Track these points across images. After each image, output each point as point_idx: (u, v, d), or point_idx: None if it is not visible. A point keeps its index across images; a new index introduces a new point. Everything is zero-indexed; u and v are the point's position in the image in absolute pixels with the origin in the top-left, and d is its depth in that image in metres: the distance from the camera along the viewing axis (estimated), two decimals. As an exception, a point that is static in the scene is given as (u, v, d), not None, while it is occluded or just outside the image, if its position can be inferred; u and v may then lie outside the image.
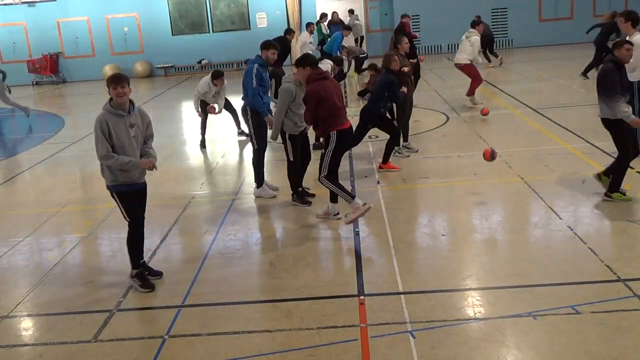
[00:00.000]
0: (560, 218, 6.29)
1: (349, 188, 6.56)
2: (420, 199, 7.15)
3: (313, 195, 7.36)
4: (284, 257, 5.92)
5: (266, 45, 7.57)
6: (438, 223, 6.53)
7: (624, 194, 6.57)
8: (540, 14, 24.05)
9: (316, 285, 5.24)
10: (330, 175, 6.41)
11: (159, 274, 5.55)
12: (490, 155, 7.35)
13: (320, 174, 6.43)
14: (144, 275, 5.42)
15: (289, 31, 15.70)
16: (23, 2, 24.36)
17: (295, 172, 7.24)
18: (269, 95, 7.70)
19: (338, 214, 6.65)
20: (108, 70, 23.86)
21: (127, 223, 5.39)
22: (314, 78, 6.43)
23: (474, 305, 4.70)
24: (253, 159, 7.70)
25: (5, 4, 24.42)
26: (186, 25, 24.83)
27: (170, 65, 24.92)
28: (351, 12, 21.96)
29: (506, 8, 23.97)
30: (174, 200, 7.88)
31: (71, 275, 5.90)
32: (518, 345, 4.11)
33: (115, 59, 24.63)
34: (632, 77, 8.02)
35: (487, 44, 18.72)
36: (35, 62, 24.58)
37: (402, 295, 4.90)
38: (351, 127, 6.60)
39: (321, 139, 6.88)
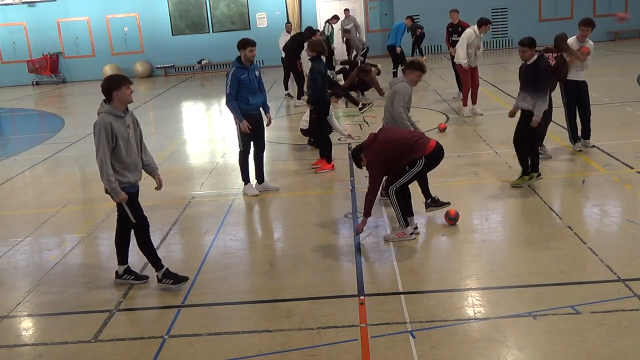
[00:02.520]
0: (560, 218, 6.29)
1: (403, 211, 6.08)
2: (420, 199, 7.12)
3: None
4: (284, 257, 5.92)
5: (242, 44, 7.46)
6: (438, 223, 6.52)
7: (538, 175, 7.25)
8: (540, 14, 24.06)
9: (316, 285, 5.24)
10: (400, 190, 5.98)
11: (142, 278, 5.55)
12: (455, 217, 6.96)
13: (392, 185, 6.00)
14: (132, 270, 5.49)
15: (313, 32, 15.24)
16: (23, 2, 24.37)
17: None
18: (260, 94, 7.69)
19: (417, 227, 6.21)
20: (108, 70, 23.86)
21: (118, 225, 5.42)
22: (367, 149, 5.96)
23: (474, 305, 4.70)
24: (239, 160, 7.87)
25: (5, 4, 24.43)
26: (186, 25, 24.84)
27: (170, 65, 24.93)
28: (346, 11, 21.72)
29: (506, 8, 23.99)
30: (174, 200, 7.88)
31: (71, 275, 5.90)
32: (518, 345, 4.11)
33: (115, 59, 24.64)
34: (579, 76, 8.77)
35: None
36: (35, 62, 24.59)
37: (402, 295, 4.90)
38: (437, 143, 6.00)
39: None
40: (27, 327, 4.97)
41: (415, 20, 21.08)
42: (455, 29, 13.16)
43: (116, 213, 5.49)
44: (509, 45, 24.17)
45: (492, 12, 23.75)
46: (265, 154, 8.02)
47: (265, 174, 8.07)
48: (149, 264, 5.47)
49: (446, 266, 5.47)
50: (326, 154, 8.75)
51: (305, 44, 12.18)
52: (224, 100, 7.73)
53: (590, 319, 4.33)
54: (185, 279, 5.34)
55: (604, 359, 3.89)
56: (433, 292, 4.95)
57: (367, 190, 5.98)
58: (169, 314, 4.92)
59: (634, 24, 23.88)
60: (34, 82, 24.87)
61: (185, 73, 25.07)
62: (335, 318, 4.62)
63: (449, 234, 6.19)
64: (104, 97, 5.05)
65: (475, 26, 11.53)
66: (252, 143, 7.76)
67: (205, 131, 13.04)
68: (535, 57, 7.13)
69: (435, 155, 5.99)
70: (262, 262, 5.86)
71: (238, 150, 7.85)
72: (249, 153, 7.79)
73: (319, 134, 8.88)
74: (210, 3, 24.62)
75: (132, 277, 5.50)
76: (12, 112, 18.37)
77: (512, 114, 7.58)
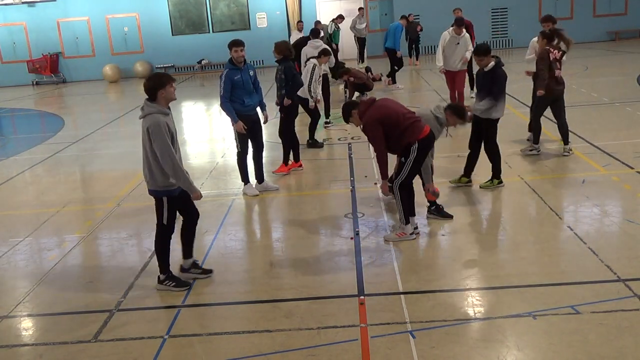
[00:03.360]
0: (560, 218, 6.29)
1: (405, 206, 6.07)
2: (420, 199, 7.12)
3: None
4: (284, 257, 5.92)
5: (229, 45, 7.48)
6: (438, 223, 6.52)
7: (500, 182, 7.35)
8: (540, 14, 24.01)
9: (316, 285, 5.24)
10: (404, 185, 5.97)
11: (209, 272, 5.54)
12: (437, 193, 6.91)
13: (396, 179, 5.99)
14: (174, 275, 5.38)
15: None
16: (23, 2, 24.37)
17: None
18: (256, 94, 7.69)
19: (417, 227, 6.19)
20: (108, 70, 23.90)
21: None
22: (363, 110, 5.97)
23: (474, 305, 4.70)
24: (237, 161, 7.87)
25: (5, 4, 24.44)
26: (186, 25, 24.85)
27: (170, 65, 24.93)
28: (361, 10, 21.56)
29: (506, 8, 24.00)
30: (174, 200, 7.86)
31: (71, 275, 5.90)
32: (518, 345, 4.11)
33: (115, 59, 24.66)
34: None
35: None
36: (35, 62, 24.60)
37: (402, 295, 4.90)
38: (431, 131, 6.03)
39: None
40: (27, 327, 4.96)
41: (415, 19, 21.09)
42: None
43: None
44: (509, 46, 24.18)
45: (492, 12, 23.78)
46: (264, 153, 8.03)
47: (265, 174, 8.07)
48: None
49: (446, 266, 5.47)
50: (285, 155, 8.71)
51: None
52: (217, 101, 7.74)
53: (590, 319, 4.33)
54: (187, 284, 5.34)
55: (604, 359, 3.89)
56: (433, 292, 4.95)
57: (375, 155, 6.04)
58: (169, 314, 4.91)
59: (634, 24, 23.89)
60: (34, 82, 24.87)
61: (185, 73, 25.07)
62: (335, 318, 4.61)
63: (449, 234, 6.19)
64: (146, 97, 5.00)
65: (450, 28, 11.50)
66: (250, 143, 7.77)
67: (205, 131, 13.05)
68: (493, 63, 7.12)
69: (428, 141, 6.02)
70: (262, 262, 5.86)
71: (236, 151, 7.86)
72: (247, 154, 7.80)
73: (285, 135, 8.73)
74: (210, 3, 24.62)
75: (200, 271, 5.46)
76: (12, 112, 18.37)
77: (470, 119, 7.37)
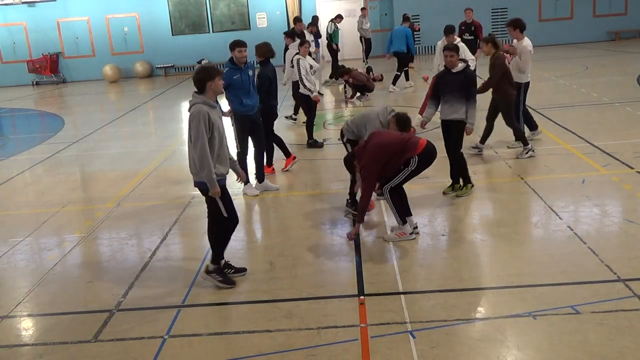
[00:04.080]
0: (560, 218, 6.29)
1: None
2: (420, 199, 7.13)
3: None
4: (284, 257, 5.92)
5: (231, 45, 7.49)
6: (438, 223, 6.53)
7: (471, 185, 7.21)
8: (540, 14, 24.07)
9: (316, 285, 5.24)
10: (394, 190, 5.98)
11: (243, 270, 5.54)
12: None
13: (386, 184, 5.98)
14: (224, 271, 5.38)
15: (296, 20, 15.18)
16: (23, 2, 24.37)
17: None
18: (255, 94, 7.70)
19: (417, 227, 6.19)
20: (108, 70, 23.89)
21: (209, 220, 5.37)
22: (360, 155, 5.94)
23: (474, 305, 4.70)
24: (237, 161, 7.75)
25: (5, 4, 24.44)
26: (186, 25, 24.85)
27: (170, 65, 24.93)
28: (364, 10, 21.50)
29: (506, 8, 23.99)
30: (174, 200, 7.87)
31: (71, 275, 5.90)
32: (518, 345, 4.11)
33: (115, 59, 24.66)
34: (521, 78, 8.71)
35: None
36: (35, 62, 24.60)
37: (402, 295, 4.90)
38: (428, 142, 6.00)
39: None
40: (27, 327, 4.96)
41: (413, 20, 20.98)
42: (468, 28, 13.14)
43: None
44: (509, 45, 24.17)
45: (492, 12, 23.77)
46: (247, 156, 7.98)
47: (265, 174, 8.08)
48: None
49: (446, 266, 5.47)
50: (268, 157, 8.66)
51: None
52: (223, 100, 7.73)
53: (591, 319, 4.33)
54: (233, 282, 5.32)
55: (604, 358, 3.89)
56: (433, 292, 4.95)
57: (360, 197, 5.99)
58: (169, 314, 4.91)
59: (634, 24, 23.89)
60: (34, 82, 24.87)
61: (185, 73, 25.06)
62: (335, 318, 4.61)
63: (449, 234, 6.19)
64: (195, 89, 5.08)
65: (444, 37, 11.07)
66: (250, 143, 7.78)
67: (205, 131, 13.03)
68: (462, 65, 7.02)
69: (428, 155, 5.98)
70: (262, 262, 5.86)
71: (236, 151, 7.86)
72: (247, 154, 7.80)
73: (267, 136, 8.62)
74: (210, 3, 24.62)
75: (220, 278, 5.32)
76: (12, 112, 18.37)
77: (423, 125, 7.42)
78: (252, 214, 7.47)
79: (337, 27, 18.83)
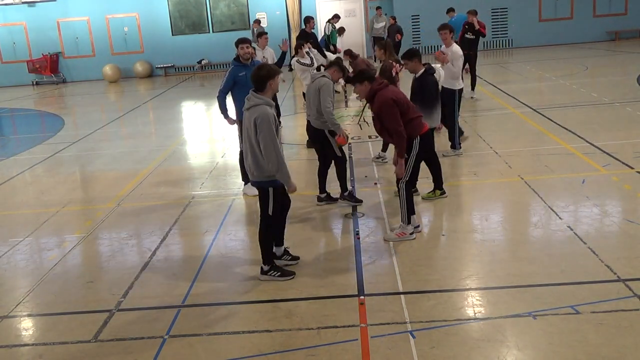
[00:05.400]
0: (560, 218, 6.29)
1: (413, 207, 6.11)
2: (420, 199, 7.14)
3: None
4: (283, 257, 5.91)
5: (236, 42, 7.60)
6: (438, 223, 6.52)
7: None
8: (540, 14, 24.06)
9: (316, 285, 5.24)
10: (409, 183, 6.02)
11: (297, 259, 5.67)
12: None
13: (401, 178, 5.97)
14: (279, 266, 5.45)
15: (307, 20, 15.13)
16: (23, 2, 24.37)
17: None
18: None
19: (418, 226, 6.21)
20: (108, 70, 23.89)
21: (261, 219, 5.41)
22: (376, 88, 5.84)
23: (474, 305, 4.70)
24: (239, 159, 7.89)
25: (5, 4, 24.44)
26: (186, 25, 24.85)
27: (170, 65, 24.93)
28: (379, 9, 21.40)
29: (506, 8, 23.99)
30: (174, 200, 7.87)
31: (71, 275, 5.90)
32: (518, 345, 4.11)
33: (115, 59, 24.66)
34: (455, 85, 8.60)
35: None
36: (35, 62, 24.59)
37: (402, 295, 4.90)
38: (430, 128, 6.16)
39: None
40: (27, 327, 4.97)
41: (397, 25, 20.82)
42: (471, 27, 13.15)
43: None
44: (509, 46, 24.17)
45: (492, 12, 23.77)
46: None
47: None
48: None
49: (446, 266, 5.47)
50: None
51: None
52: (229, 99, 7.75)
53: (590, 319, 4.33)
54: (292, 273, 5.39)
55: (604, 359, 3.89)
56: (433, 292, 4.95)
57: (396, 145, 5.84)
58: (169, 314, 4.91)
59: (634, 24, 23.89)
60: (34, 82, 24.87)
61: (185, 73, 25.07)
62: (335, 318, 4.61)
63: (449, 234, 6.18)
64: (253, 87, 5.07)
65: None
66: None
67: (205, 131, 13.05)
68: (423, 69, 7.08)
69: (427, 138, 6.14)
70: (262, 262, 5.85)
71: (238, 150, 7.87)
72: None
73: None
74: (210, 3, 24.62)
75: (278, 273, 5.39)
76: (12, 112, 18.37)
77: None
78: (252, 214, 7.46)
79: (334, 28, 18.83)
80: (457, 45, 8.75)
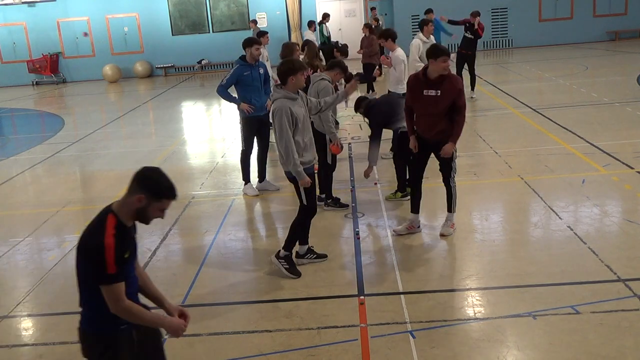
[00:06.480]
0: (560, 218, 6.29)
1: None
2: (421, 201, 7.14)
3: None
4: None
5: (248, 42, 7.58)
6: (438, 223, 6.52)
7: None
8: (540, 14, 24.06)
9: (316, 285, 5.24)
10: (412, 180, 6.25)
11: (324, 256, 5.71)
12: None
13: (452, 176, 6.04)
14: (292, 260, 5.49)
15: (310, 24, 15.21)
16: (23, 2, 24.37)
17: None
18: (265, 93, 7.70)
19: (419, 227, 6.26)
20: (108, 70, 23.89)
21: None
22: (449, 74, 5.79)
23: (474, 305, 4.70)
24: (241, 159, 7.91)
25: (5, 4, 24.44)
26: (186, 25, 24.85)
27: (170, 65, 24.93)
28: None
29: (506, 8, 23.99)
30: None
31: (71, 275, 5.82)
32: (518, 345, 4.11)
33: (115, 59, 24.66)
34: (399, 90, 8.37)
35: None
36: (35, 62, 24.59)
37: (402, 295, 4.90)
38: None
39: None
40: (27, 327, 4.97)
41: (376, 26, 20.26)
42: (471, 27, 13.16)
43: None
44: (508, 46, 24.17)
45: (492, 12, 23.76)
46: (269, 153, 8.04)
47: (267, 173, 8.09)
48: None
49: (446, 266, 5.47)
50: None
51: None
52: (224, 101, 7.75)
53: (590, 319, 4.33)
54: (299, 273, 5.41)
55: (604, 359, 3.89)
56: (433, 292, 4.95)
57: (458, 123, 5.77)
58: (169, 314, 4.91)
59: (634, 24, 23.89)
60: (34, 82, 24.87)
61: (185, 73, 25.07)
62: (335, 318, 4.62)
63: (449, 234, 6.18)
64: (277, 82, 5.23)
65: (420, 33, 10.18)
66: (255, 143, 7.80)
67: (205, 131, 13.05)
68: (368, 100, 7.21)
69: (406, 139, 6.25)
70: (262, 262, 5.85)
71: (240, 149, 7.87)
72: (251, 153, 7.82)
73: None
74: (210, 3, 24.62)
75: (315, 255, 5.62)
76: (12, 112, 18.37)
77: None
78: (252, 214, 7.47)
79: (326, 27, 18.85)
80: (401, 50, 8.54)
